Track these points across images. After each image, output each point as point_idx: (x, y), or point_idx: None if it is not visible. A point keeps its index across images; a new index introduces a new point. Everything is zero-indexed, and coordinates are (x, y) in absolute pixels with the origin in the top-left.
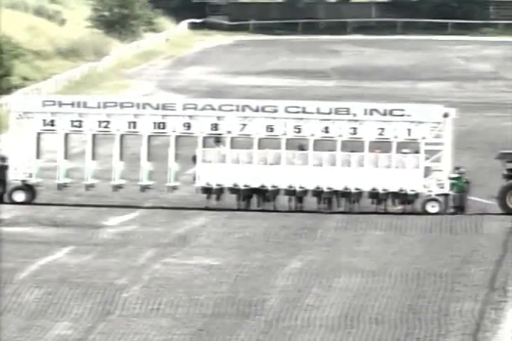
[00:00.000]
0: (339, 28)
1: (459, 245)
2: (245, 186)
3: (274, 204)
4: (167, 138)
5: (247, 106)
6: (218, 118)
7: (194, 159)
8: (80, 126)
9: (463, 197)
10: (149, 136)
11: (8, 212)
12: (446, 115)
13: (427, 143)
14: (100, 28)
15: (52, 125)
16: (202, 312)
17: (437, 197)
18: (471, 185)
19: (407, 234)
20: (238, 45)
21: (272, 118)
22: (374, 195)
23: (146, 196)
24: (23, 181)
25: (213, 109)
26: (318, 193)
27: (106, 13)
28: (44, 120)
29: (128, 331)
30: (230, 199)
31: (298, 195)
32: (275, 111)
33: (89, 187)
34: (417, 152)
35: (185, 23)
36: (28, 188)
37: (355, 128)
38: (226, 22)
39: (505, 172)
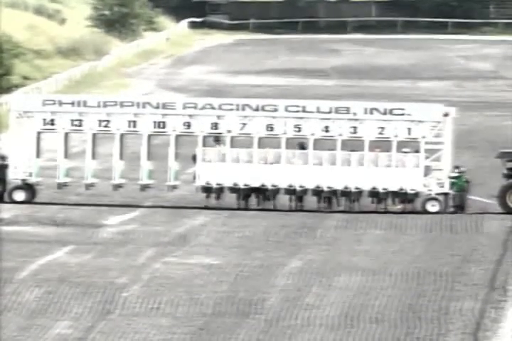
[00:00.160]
0: (339, 27)
1: (459, 244)
2: (245, 185)
3: (274, 204)
4: (167, 137)
5: (247, 105)
6: (218, 117)
7: (194, 158)
8: (80, 125)
9: (463, 196)
10: (149, 135)
11: (8, 211)
12: (446, 114)
13: (427, 142)
14: (100, 27)
15: (53, 124)
16: (202, 312)
17: (437, 196)
18: (471, 184)
19: (407, 233)
20: (238, 44)
21: (272, 118)
22: (374, 194)
23: (146, 195)
24: (23, 180)
25: (213, 108)
26: (318, 192)
27: (106, 12)
28: (44, 119)
29: (128, 330)
30: (230, 199)
31: (298, 194)
32: (275, 110)
33: (89, 186)
34: (417, 151)
35: (185, 22)
36: (28, 187)
37: (355, 128)
38: (226, 21)
39: (505, 171)
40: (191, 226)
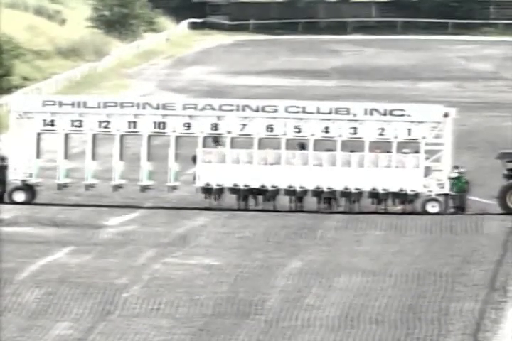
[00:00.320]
0: (339, 28)
1: (459, 245)
2: (245, 186)
3: (274, 204)
4: (167, 138)
5: (247, 106)
6: (218, 118)
7: (194, 159)
8: (80, 126)
9: (463, 197)
10: (149, 136)
11: (8, 212)
12: (446, 115)
13: (427, 143)
14: (100, 28)
15: (53, 125)
16: (202, 312)
17: (437, 197)
18: (471, 184)
19: (407, 234)
20: (238, 45)
21: (272, 118)
22: (374, 194)
23: (146, 196)
24: (23, 181)
25: (213, 108)
26: (318, 193)
27: (106, 13)
28: (44, 120)
29: (128, 331)
30: (230, 199)
31: (298, 195)
32: (275, 111)
33: (89, 187)
34: (417, 152)
35: (185, 22)
36: (28, 188)
37: (355, 128)
38: (226, 22)
39: (506, 171)
40: (191, 227)
